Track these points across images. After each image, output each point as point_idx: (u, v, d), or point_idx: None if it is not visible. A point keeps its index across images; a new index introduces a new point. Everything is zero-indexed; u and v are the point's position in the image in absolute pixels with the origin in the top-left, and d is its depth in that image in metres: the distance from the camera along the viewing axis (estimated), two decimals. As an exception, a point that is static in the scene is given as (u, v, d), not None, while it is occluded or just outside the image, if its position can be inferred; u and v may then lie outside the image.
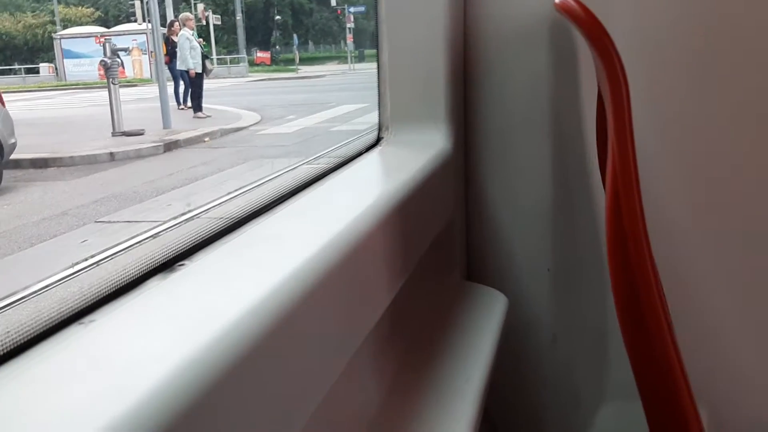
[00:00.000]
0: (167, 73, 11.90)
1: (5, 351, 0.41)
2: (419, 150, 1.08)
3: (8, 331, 0.41)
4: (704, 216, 1.15)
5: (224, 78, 21.49)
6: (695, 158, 1.13)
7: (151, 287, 0.53)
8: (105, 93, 10.32)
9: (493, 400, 1.02)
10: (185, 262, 0.59)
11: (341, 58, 31.02)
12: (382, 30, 1.12)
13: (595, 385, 1.27)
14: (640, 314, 0.61)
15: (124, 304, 0.50)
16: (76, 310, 0.47)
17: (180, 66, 12.30)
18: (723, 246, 1.15)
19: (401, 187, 0.88)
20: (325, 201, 0.84)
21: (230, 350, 0.44)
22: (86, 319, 0.47)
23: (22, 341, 0.42)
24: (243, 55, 29.25)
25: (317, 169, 0.99)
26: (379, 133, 1.16)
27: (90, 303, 0.48)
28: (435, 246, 1.04)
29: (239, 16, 29.81)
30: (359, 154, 1.09)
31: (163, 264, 0.57)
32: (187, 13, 12.66)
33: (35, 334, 0.43)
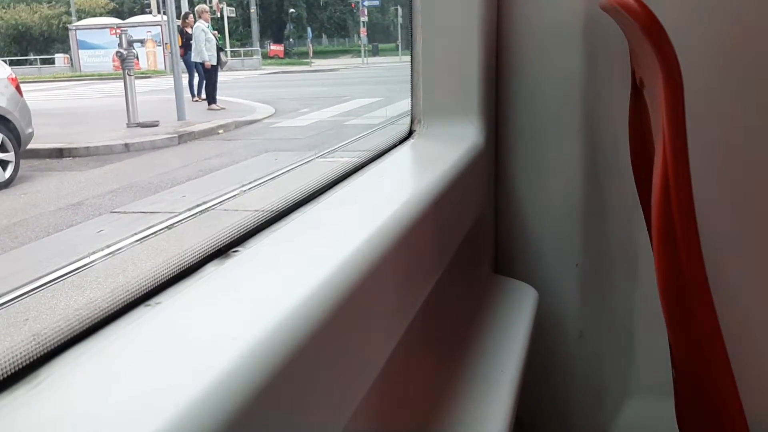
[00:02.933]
0: (182, 65, 11.94)
1: (83, 329, 0.42)
2: (451, 144, 1.09)
3: (80, 312, 0.43)
4: (737, 213, 1.15)
5: (238, 70, 21.54)
6: (729, 156, 1.13)
7: (209, 272, 0.54)
8: (119, 84, 10.38)
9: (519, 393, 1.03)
10: (238, 248, 0.60)
11: (355, 52, 31.01)
12: (417, 21, 1.13)
13: (621, 381, 1.28)
14: (688, 311, 0.62)
15: (186, 287, 0.51)
16: (143, 293, 0.48)
17: (195, 58, 12.33)
18: (760, 245, 1.15)
19: (438, 181, 0.88)
20: (365, 192, 0.85)
21: (295, 332, 0.45)
22: (152, 301, 0.48)
23: (97, 320, 0.44)
24: (257, 47, 29.30)
25: (351, 162, 1.00)
26: (411, 126, 1.17)
27: (154, 286, 0.50)
28: (467, 239, 1.05)
29: (253, 9, 29.86)
30: (392, 147, 1.10)
31: (217, 250, 0.58)
32: (204, 5, 12.67)
33: (108, 314, 0.45)
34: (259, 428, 0.40)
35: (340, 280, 0.54)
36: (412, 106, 1.17)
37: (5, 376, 0.37)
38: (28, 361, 0.38)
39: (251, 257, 0.58)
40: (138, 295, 0.48)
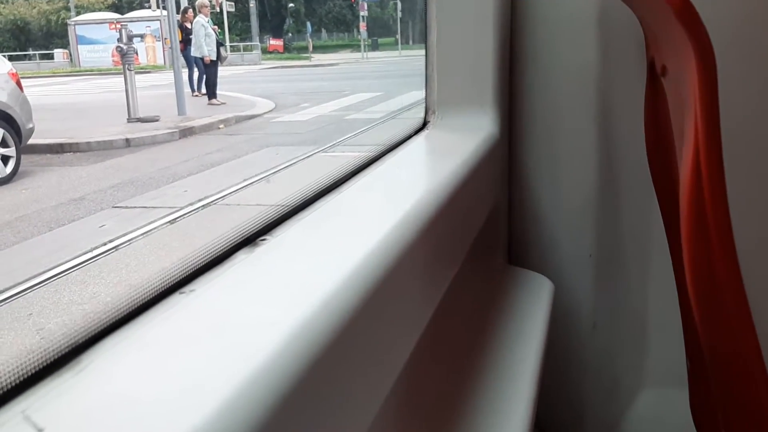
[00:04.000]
0: (182, 59, 11.92)
1: (120, 317, 0.42)
2: (466, 135, 1.09)
3: (119, 300, 0.42)
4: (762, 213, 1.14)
5: (237, 65, 21.49)
6: (759, 147, 1.12)
7: (240, 260, 0.54)
8: (119, 79, 10.35)
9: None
10: (266, 237, 0.59)
11: (354, 47, 30.93)
12: (431, 11, 1.12)
13: (635, 372, 1.28)
14: (721, 304, 0.61)
15: (218, 275, 0.51)
16: (177, 281, 0.48)
17: (195, 53, 12.30)
18: None
19: (454, 171, 0.88)
20: (384, 182, 0.85)
21: (332, 317, 0.45)
22: (186, 289, 0.48)
23: (133, 308, 0.43)
24: (256, 42, 29.23)
25: (366, 155, 1.00)
26: (425, 117, 1.16)
27: (187, 274, 0.49)
28: (483, 229, 1.05)
29: (252, 4, 29.79)
30: (407, 137, 1.10)
31: (246, 239, 0.58)
32: (204, 0, 12.63)
33: (144, 301, 0.44)
34: (300, 414, 0.40)
35: (370, 268, 0.54)
36: (426, 96, 1.16)
37: (49, 361, 0.36)
38: (70, 348, 0.38)
39: (280, 245, 0.58)
40: (171, 284, 0.48)
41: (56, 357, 0.37)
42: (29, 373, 0.35)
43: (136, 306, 0.44)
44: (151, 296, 0.46)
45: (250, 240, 0.58)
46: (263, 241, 0.58)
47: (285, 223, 0.64)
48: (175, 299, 0.46)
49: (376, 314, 0.54)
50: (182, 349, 0.39)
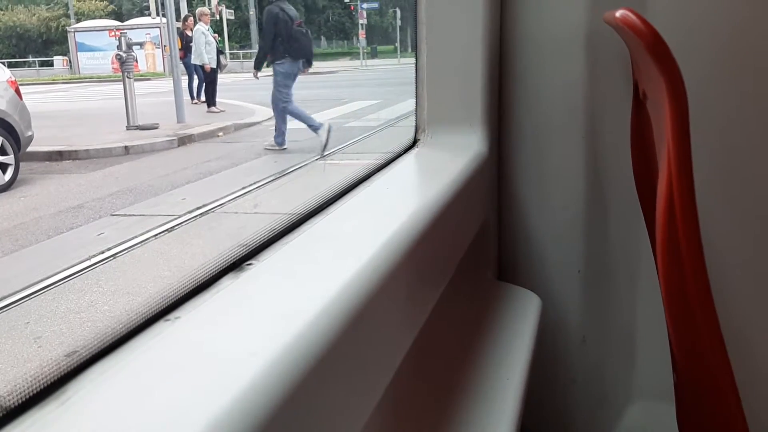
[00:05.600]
0: (181, 67, 11.95)
1: (107, 345, 0.43)
2: (455, 153, 1.10)
3: (108, 327, 0.44)
4: (739, 222, 1.16)
5: (237, 73, 21.54)
6: (730, 168, 1.14)
7: (225, 285, 0.55)
8: (118, 86, 10.38)
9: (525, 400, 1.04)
10: (252, 261, 0.61)
11: (353, 54, 31.01)
12: (421, 33, 1.14)
13: (623, 386, 1.29)
14: (691, 319, 0.63)
15: (203, 302, 0.52)
16: (162, 308, 0.49)
17: (195, 60, 12.34)
18: (761, 253, 1.16)
19: (443, 190, 0.90)
20: (372, 203, 0.87)
21: (310, 346, 0.46)
22: (171, 316, 0.49)
23: (119, 336, 0.45)
24: (256, 50, 29.28)
25: (357, 172, 1.01)
26: (415, 135, 1.18)
27: (173, 301, 0.51)
28: (471, 246, 1.06)
29: (252, 11, 29.86)
30: (397, 156, 1.11)
31: (231, 264, 0.59)
32: (204, 8, 12.67)
33: (129, 329, 0.46)
34: None
35: (353, 293, 0.55)
36: (416, 115, 1.18)
37: (35, 392, 0.38)
38: (56, 377, 0.39)
39: (265, 270, 0.59)
40: (157, 310, 0.49)
41: (42, 387, 0.38)
42: (15, 404, 0.36)
43: (121, 334, 0.46)
44: (136, 324, 0.47)
45: (236, 265, 0.60)
46: (249, 266, 0.60)
47: (272, 246, 0.66)
48: (161, 326, 0.48)
49: (358, 337, 0.55)
50: (166, 379, 0.41)
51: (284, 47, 7.81)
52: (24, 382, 0.38)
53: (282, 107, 8.12)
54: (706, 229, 1.14)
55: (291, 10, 8.04)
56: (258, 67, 8.41)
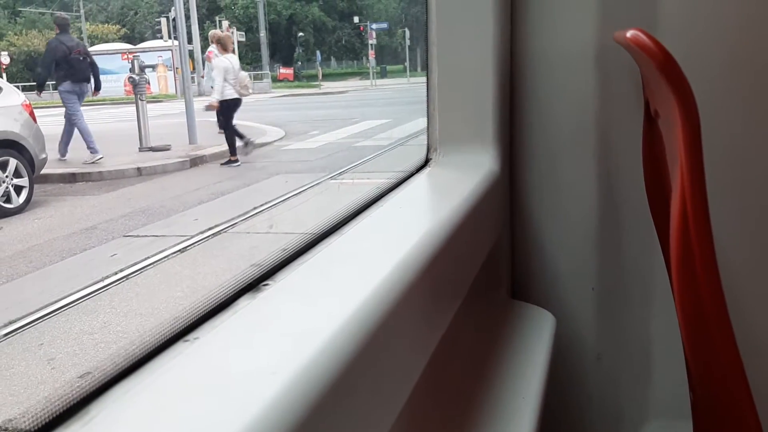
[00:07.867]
0: (194, 89, 12.02)
1: (128, 365, 0.44)
2: (468, 172, 1.11)
3: (133, 346, 0.44)
4: (754, 241, 1.16)
5: (248, 94, 21.71)
6: (743, 187, 1.14)
7: (242, 306, 0.56)
8: (131, 108, 10.48)
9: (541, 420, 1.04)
10: (268, 282, 0.61)
11: (363, 74, 31.20)
12: (432, 53, 1.15)
13: (639, 404, 1.28)
14: (708, 338, 0.63)
15: (221, 322, 0.53)
16: (181, 329, 0.50)
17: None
18: None
19: (456, 210, 0.90)
20: (386, 223, 0.87)
21: (329, 365, 0.47)
22: (191, 337, 0.50)
23: (140, 357, 0.45)
24: (266, 71, 29.57)
25: (370, 192, 1.02)
26: (427, 155, 1.19)
27: (191, 321, 0.51)
28: (485, 265, 1.07)
29: (263, 33, 30.18)
30: (410, 175, 1.12)
31: (248, 284, 0.60)
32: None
33: (150, 350, 0.46)
34: None
35: (369, 312, 0.56)
36: (428, 134, 1.19)
37: (59, 412, 0.38)
38: (79, 398, 0.40)
39: (281, 290, 0.60)
40: (177, 331, 0.50)
41: (67, 407, 0.39)
42: (39, 425, 0.37)
43: (142, 355, 0.47)
44: (156, 344, 0.48)
45: (252, 285, 0.60)
46: (266, 287, 0.60)
47: (288, 266, 0.66)
48: (180, 347, 0.48)
49: (375, 356, 0.55)
50: (188, 398, 0.41)
51: (64, 72, 9.37)
52: (47, 402, 0.39)
53: (72, 121, 9.52)
54: (720, 246, 1.14)
55: (71, 41, 9.75)
56: (40, 89, 10.14)
